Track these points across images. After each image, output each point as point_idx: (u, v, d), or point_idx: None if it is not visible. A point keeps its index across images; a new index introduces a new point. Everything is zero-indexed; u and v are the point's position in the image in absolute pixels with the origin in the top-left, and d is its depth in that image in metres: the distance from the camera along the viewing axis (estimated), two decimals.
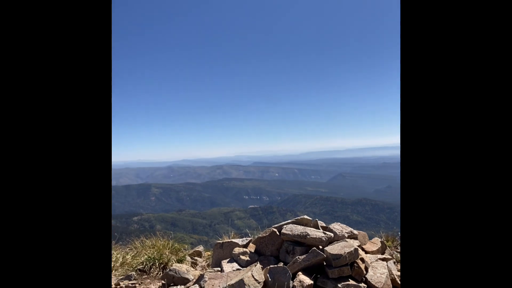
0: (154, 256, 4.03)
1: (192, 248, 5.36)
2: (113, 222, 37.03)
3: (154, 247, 4.51)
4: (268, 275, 2.91)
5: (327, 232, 3.39)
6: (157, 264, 3.96)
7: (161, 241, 4.75)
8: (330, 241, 3.34)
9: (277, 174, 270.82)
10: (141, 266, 3.92)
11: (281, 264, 3.10)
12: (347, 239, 3.36)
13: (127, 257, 4.45)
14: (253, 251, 3.58)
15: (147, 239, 4.99)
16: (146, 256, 4.08)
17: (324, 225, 3.76)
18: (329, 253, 2.99)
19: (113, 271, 4.09)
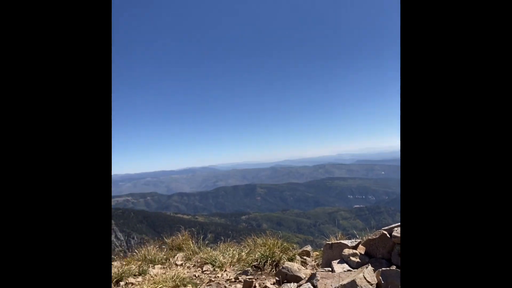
0: (266, 254, 4.31)
1: (299, 248, 5.52)
2: (223, 220, 40.02)
3: (265, 246, 4.79)
4: (380, 277, 2.88)
5: None
6: (269, 261, 4.22)
7: (271, 240, 5.01)
8: None
9: (383, 172, 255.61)
10: (256, 263, 4.22)
11: (393, 267, 3.04)
12: None
13: (242, 254, 4.84)
14: (363, 253, 3.57)
15: (257, 237, 5.32)
16: (259, 254, 4.37)
17: None
18: None
19: (231, 266, 4.50)
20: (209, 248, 5.48)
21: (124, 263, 5.05)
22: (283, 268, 3.61)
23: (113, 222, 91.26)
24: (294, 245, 5.47)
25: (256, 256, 4.36)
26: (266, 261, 4.20)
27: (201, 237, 5.91)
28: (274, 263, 4.19)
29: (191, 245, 5.65)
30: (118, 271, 4.27)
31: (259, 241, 5.14)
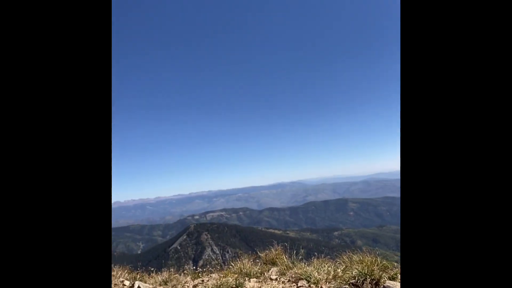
0: (364, 271, 4.06)
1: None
2: (315, 236, 39.27)
3: (362, 263, 4.52)
4: None
5: None
6: (368, 280, 3.96)
7: (368, 257, 4.72)
8: None
9: None
10: (353, 281, 4.00)
11: None
12: None
13: (337, 270, 4.64)
14: None
15: (353, 254, 5.05)
16: (356, 271, 4.15)
17: None
18: None
19: (327, 283, 4.34)
20: (303, 264, 5.38)
21: (222, 275, 5.24)
22: (384, 287, 3.36)
23: (209, 236, 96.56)
24: (395, 264, 5.06)
25: (353, 273, 4.14)
26: (365, 279, 3.95)
27: (294, 252, 5.85)
28: (374, 282, 3.92)
29: (285, 260, 5.62)
30: (217, 283, 4.45)
31: (355, 258, 4.88)
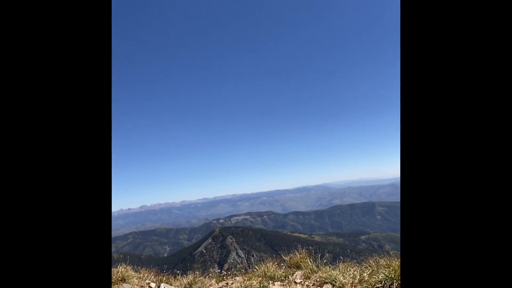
0: (391, 276, 3.96)
1: None
2: (341, 240, 38.54)
3: (390, 267, 4.41)
4: None
5: None
6: (395, 284, 3.86)
7: (395, 261, 4.61)
8: None
9: None
10: (380, 285, 3.91)
11: None
12: None
13: (363, 274, 4.55)
14: None
15: (380, 258, 4.94)
16: (383, 275, 4.05)
17: None
18: None
19: (352, 287, 4.26)
20: (328, 267, 5.30)
21: (246, 278, 5.24)
22: None
23: (234, 239, 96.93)
24: None
25: (380, 277, 4.04)
26: (392, 284, 3.85)
27: (319, 256, 5.77)
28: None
29: (310, 263, 5.56)
30: (241, 285, 4.45)
31: (382, 262, 4.77)
